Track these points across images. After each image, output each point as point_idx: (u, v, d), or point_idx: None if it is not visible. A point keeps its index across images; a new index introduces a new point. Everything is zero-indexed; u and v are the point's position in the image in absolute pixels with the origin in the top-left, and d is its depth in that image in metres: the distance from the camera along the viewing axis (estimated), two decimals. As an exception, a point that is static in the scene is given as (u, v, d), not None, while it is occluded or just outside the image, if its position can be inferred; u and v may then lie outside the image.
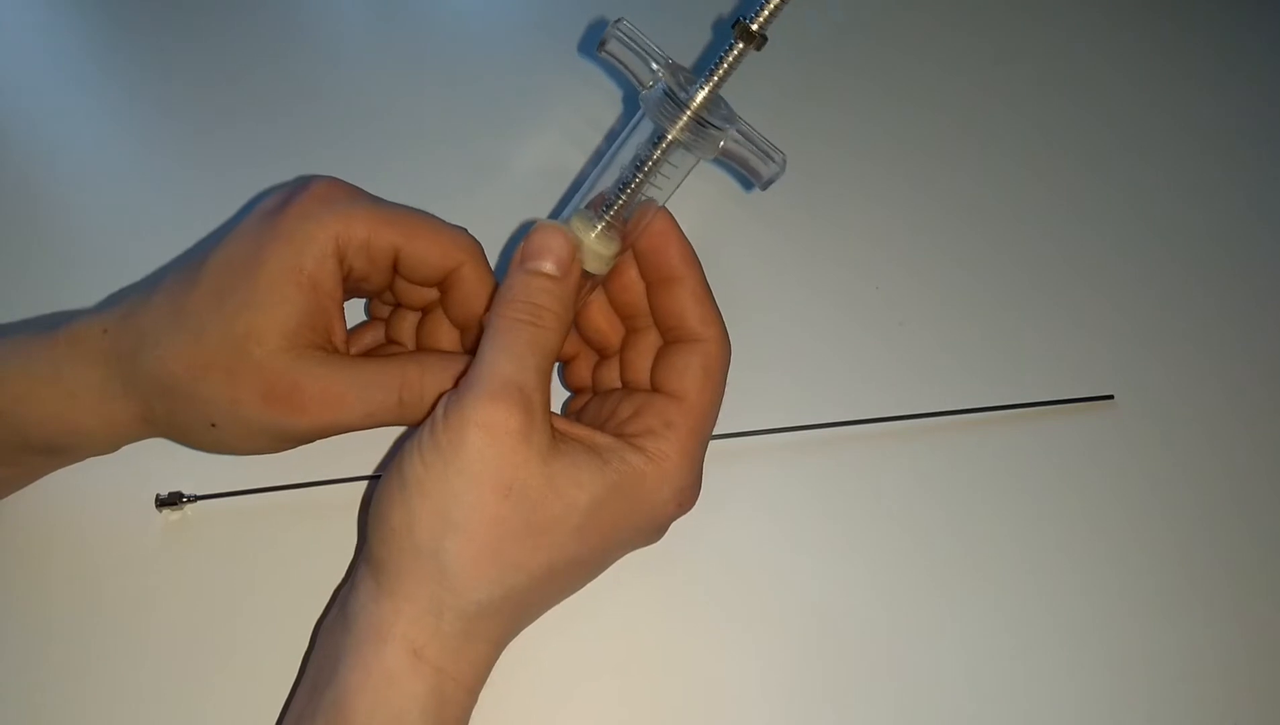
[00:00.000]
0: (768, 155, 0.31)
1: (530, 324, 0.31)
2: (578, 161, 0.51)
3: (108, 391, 0.34)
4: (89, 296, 0.43)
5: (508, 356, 0.30)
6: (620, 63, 0.31)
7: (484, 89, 0.54)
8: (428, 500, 0.30)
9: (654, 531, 0.34)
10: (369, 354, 0.39)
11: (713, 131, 0.30)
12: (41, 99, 0.52)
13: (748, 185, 0.32)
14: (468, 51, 0.57)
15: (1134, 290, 0.49)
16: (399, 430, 0.42)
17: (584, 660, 0.38)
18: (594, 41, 0.47)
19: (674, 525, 0.34)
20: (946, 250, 0.49)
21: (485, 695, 0.32)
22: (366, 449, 0.41)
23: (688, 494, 0.33)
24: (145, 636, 0.38)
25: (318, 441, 0.36)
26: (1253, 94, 0.56)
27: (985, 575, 0.41)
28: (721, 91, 0.30)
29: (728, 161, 0.32)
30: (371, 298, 0.40)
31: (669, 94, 0.30)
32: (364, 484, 0.40)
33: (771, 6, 0.28)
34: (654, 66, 0.30)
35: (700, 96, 0.30)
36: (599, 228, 0.32)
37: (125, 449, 0.41)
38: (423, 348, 0.39)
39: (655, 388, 0.34)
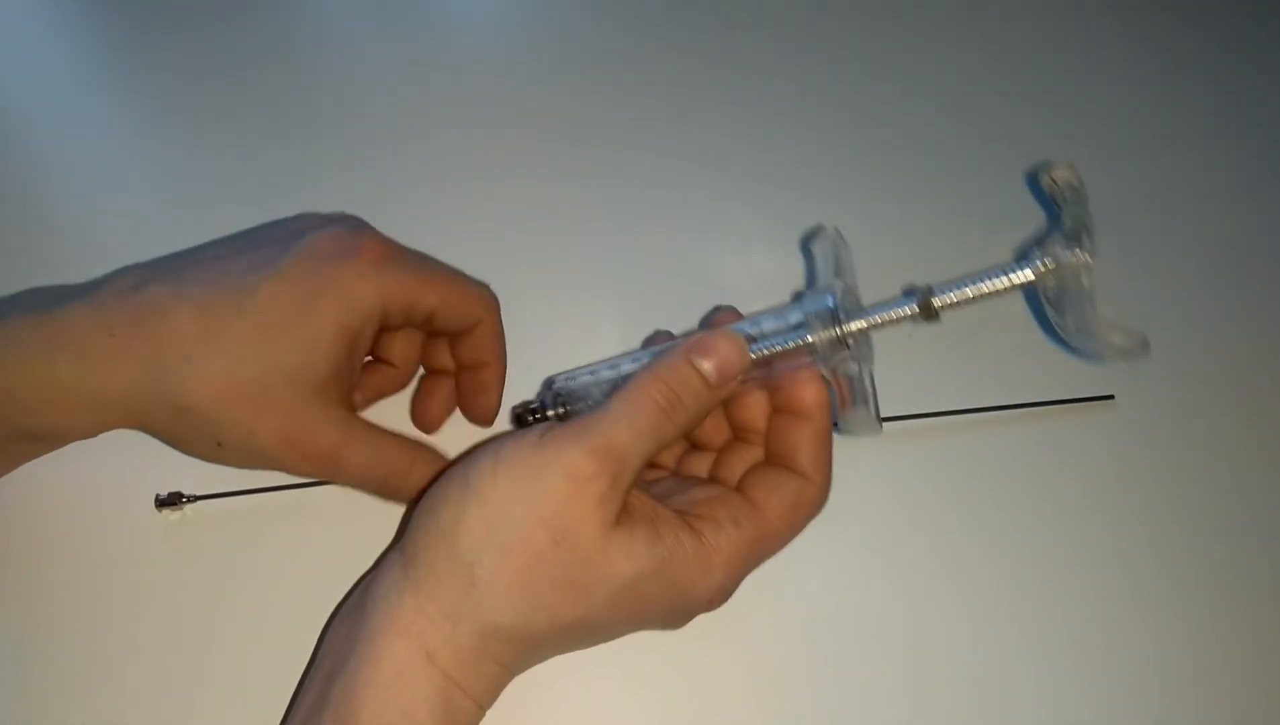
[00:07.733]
0: (867, 407, 0.33)
1: (664, 411, 0.31)
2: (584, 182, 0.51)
3: (106, 394, 0.34)
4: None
5: (628, 426, 0.31)
6: (814, 257, 0.33)
7: (485, 92, 0.54)
8: (483, 511, 0.30)
9: (680, 618, 0.34)
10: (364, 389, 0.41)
11: (845, 355, 0.33)
12: (40, 94, 0.52)
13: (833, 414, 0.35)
14: (467, 52, 0.57)
15: (1134, 290, 0.49)
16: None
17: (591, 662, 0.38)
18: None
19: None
20: (946, 249, 0.49)
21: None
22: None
23: (721, 595, 0.33)
24: (145, 637, 0.38)
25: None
26: (1256, 94, 0.56)
27: (985, 576, 0.41)
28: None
29: (831, 381, 0.34)
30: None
31: (833, 312, 0.33)
32: (364, 484, 0.40)
33: (959, 298, 0.31)
34: (836, 281, 0.33)
35: (854, 327, 0.33)
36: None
37: (125, 450, 0.41)
38: (428, 367, 0.42)
39: (739, 489, 0.35)
